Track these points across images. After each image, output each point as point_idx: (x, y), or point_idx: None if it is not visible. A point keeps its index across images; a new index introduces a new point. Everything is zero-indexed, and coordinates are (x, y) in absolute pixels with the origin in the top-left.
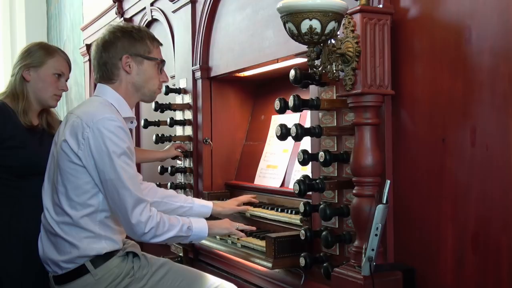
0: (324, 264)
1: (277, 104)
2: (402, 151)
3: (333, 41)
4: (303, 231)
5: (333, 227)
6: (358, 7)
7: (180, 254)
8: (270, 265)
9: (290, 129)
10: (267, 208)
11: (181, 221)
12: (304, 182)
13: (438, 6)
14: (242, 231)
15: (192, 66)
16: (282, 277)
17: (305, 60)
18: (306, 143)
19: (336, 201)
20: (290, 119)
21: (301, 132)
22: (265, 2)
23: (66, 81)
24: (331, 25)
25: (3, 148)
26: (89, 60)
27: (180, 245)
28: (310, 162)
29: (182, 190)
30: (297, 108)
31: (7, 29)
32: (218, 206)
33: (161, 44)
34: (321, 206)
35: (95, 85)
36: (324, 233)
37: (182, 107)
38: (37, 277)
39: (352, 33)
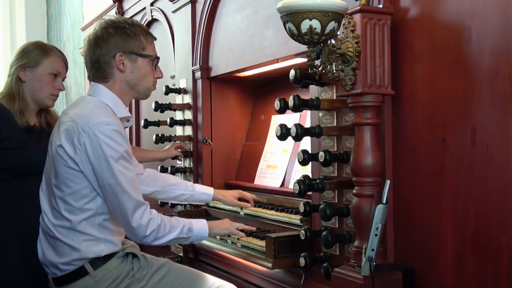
0: (324, 264)
1: (277, 104)
2: (402, 151)
3: (333, 41)
4: (303, 231)
5: (333, 227)
6: (358, 7)
7: (180, 254)
8: (270, 265)
9: (290, 129)
10: (267, 208)
11: (182, 223)
12: (304, 182)
13: (438, 6)
14: (242, 231)
15: (192, 66)
16: (282, 277)
17: (305, 60)
18: (306, 143)
19: (336, 201)
20: (290, 119)
21: (301, 132)
22: (265, 2)
23: (63, 80)
24: (331, 25)
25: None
26: None
27: (180, 245)
28: (310, 162)
29: None
30: (297, 108)
31: (7, 29)
32: (219, 194)
33: (155, 39)
34: (321, 206)
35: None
36: (324, 233)
37: (182, 107)
38: (35, 279)
39: (352, 33)
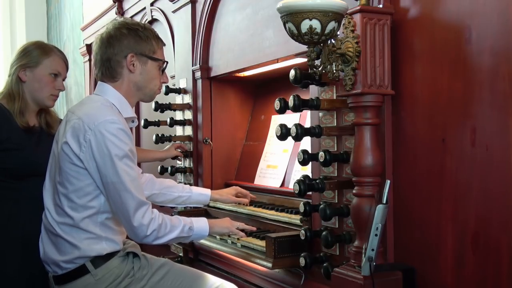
0: (324, 264)
1: (277, 104)
2: (402, 151)
3: (333, 41)
4: (303, 231)
5: (333, 227)
6: (358, 7)
7: (180, 254)
8: (270, 265)
9: (290, 129)
10: (267, 208)
11: (183, 222)
12: (304, 182)
13: (438, 6)
14: (242, 230)
15: (192, 66)
16: (282, 277)
17: (305, 60)
18: (306, 143)
19: (336, 201)
20: (290, 119)
21: (301, 132)
22: (265, 2)
23: (64, 80)
24: (331, 25)
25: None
26: (89, 60)
27: (180, 245)
28: (310, 162)
29: None
30: (297, 108)
31: (7, 29)
32: (216, 194)
33: (165, 44)
34: (321, 206)
35: (96, 82)
36: (324, 233)
37: (182, 107)
38: (36, 278)
39: (352, 33)
